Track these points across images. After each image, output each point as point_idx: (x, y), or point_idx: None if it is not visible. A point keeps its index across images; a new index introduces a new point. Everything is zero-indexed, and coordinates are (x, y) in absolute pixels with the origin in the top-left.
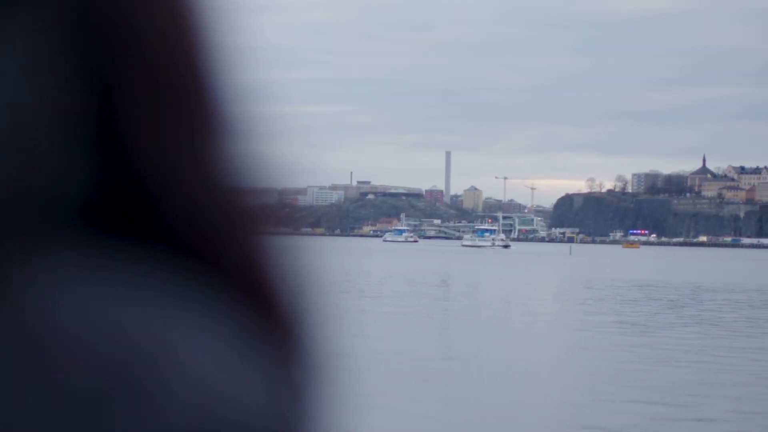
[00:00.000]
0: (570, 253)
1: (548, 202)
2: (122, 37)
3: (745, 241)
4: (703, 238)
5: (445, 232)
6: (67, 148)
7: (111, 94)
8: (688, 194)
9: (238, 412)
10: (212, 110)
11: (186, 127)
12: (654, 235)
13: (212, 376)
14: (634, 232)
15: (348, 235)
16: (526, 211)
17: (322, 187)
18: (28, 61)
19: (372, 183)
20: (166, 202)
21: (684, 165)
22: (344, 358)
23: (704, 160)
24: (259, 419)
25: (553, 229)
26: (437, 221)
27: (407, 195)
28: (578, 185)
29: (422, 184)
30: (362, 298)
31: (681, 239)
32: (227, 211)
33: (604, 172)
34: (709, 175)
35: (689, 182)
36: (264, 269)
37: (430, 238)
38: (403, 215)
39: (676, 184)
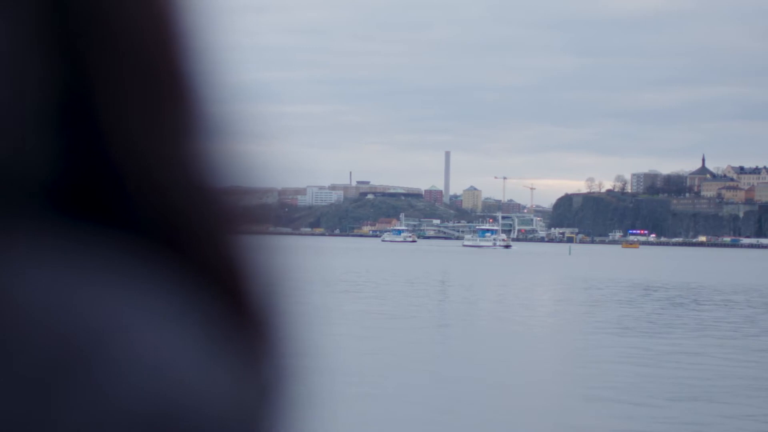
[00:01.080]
0: (569, 253)
1: (547, 202)
2: (99, 24)
3: (744, 241)
4: (703, 238)
5: (445, 232)
6: (35, 132)
7: (84, 79)
8: (687, 194)
9: (195, 398)
10: (190, 103)
11: (160, 116)
12: (653, 235)
13: (170, 360)
14: (634, 232)
15: (347, 235)
16: (525, 211)
17: (321, 187)
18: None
19: (371, 183)
20: (137, 190)
21: (683, 165)
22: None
23: (703, 160)
24: (216, 406)
25: (553, 229)
26: (436, 221)
27: (406, 195)
28: (577, 185)
29: (421, 184)
30: (362, 298)
31: (680, 239)
32: (202, 204)
33: (603, 172)
34: (708, 175)
35: (688, 182)
36: (237, 266)
37: (429, 238)
38: (402, 215)
39: (675, 184)
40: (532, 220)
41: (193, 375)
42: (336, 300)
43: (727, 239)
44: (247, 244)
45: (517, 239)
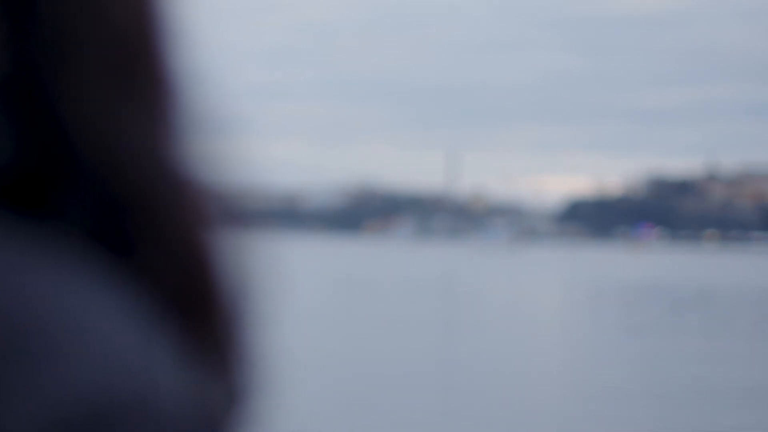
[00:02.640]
0: (574, 254)
1: (553, 202)
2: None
3: (754, 240)
4: (711, 238)
5: (449, 232)
6: None
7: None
8: (694, 194)
9: (137, 386)
10: (164, 91)
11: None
12: (660, 235)
13: (114, 349)
14: (641, 231)
15: (350, 235)
16: (530, 211)
17: (323, 186)
18: None
19: (374, 182)
20: (94, 177)
21: (690, 164)
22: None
23: (711, 160)
24: (160, 397)
25: (558, 228)
26: (441, 221)
27: (409, 195)
28: (584, 185)
29: (425, 184)
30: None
31: (688, 239)
32: (167, 197)
33: (610, 172)
34: (715, 175)
35: (696, 182)
36: (202, 264)
37: (433, 238)
38: (405, 215)
39: (682, 184)
40: (537, 220)
41: (139, 366)
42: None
43: (736, 239)
44: (223, 243)
45: (523, 239)
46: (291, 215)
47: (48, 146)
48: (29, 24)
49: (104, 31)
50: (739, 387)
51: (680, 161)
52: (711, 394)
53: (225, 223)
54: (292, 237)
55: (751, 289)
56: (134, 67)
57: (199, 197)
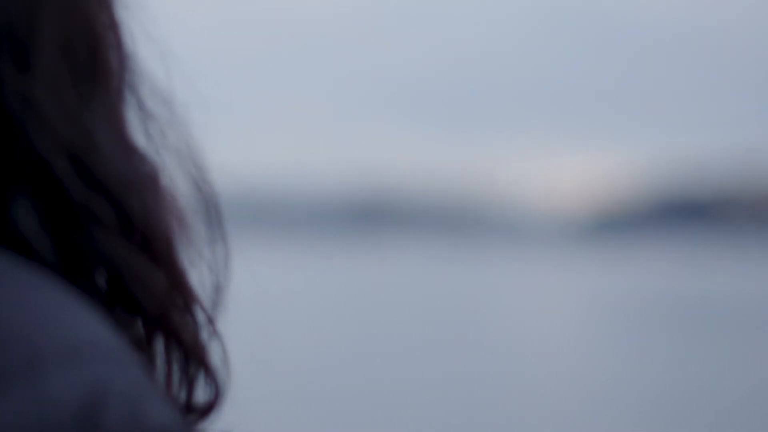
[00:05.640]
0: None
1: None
2: None
3: None
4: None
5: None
6: None
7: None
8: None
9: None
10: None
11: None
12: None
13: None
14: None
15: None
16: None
17: (322, 185)
18: None
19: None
20: (54, 176)
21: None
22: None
23: None
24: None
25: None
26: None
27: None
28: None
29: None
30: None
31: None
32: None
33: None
34: None
35: None
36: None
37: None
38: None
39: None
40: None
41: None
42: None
43: None
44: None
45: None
46: (280, 211)
47: (7, 145)
48: None
49: (65, 28)
50: None
51: None
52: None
53: (194, 218)
54: (282, 237)
55: None
56: (94, 63)
57: (167, 193)
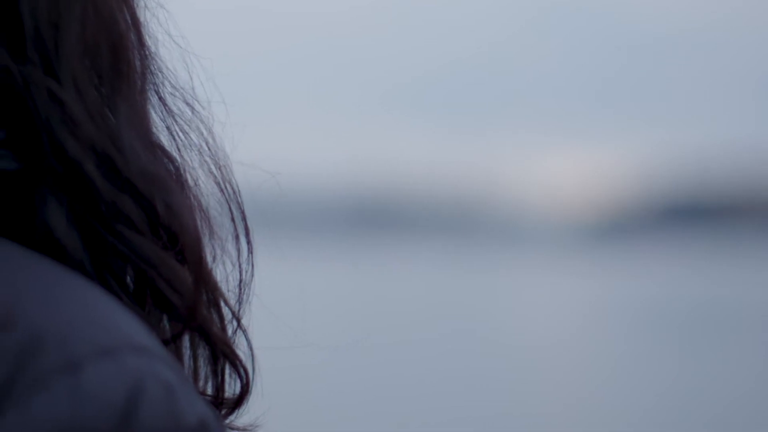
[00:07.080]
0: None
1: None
2: None
3: None
4: None
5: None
6: None
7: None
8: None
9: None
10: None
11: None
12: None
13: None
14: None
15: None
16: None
17: (322, 183)
18: None
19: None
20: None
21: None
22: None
23: None
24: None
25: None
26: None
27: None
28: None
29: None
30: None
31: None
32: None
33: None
34: None
35: None
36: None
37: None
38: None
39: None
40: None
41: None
42: None
43: None
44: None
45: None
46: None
47: (35, 146)
48: (13, 26)
49: (89, 29)
50: None
51: None
52: None
53: (218, 215)
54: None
55: None
56: (118, 64)
57: (191, 191)
